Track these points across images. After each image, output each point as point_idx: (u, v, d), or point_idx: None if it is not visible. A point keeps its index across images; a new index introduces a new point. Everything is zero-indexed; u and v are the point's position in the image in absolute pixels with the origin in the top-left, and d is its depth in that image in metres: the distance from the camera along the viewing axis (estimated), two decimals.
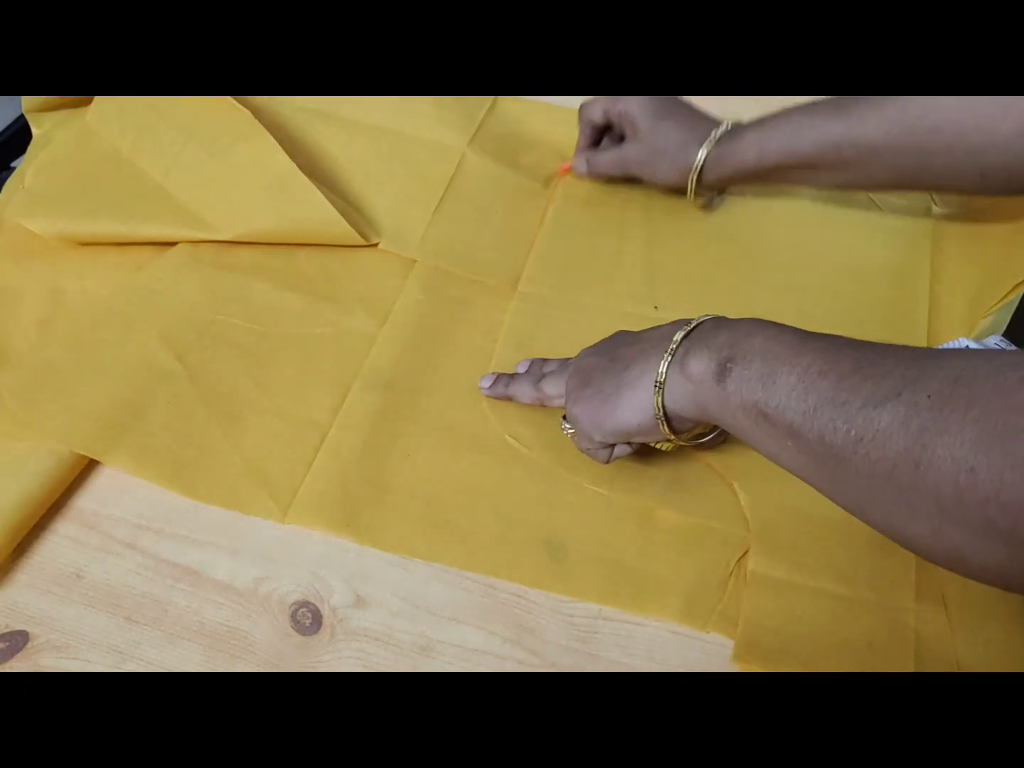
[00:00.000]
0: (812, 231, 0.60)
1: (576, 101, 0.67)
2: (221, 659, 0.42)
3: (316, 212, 0.55)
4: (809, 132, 0.52)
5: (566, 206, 0.61)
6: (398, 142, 0.62)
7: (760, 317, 0.53)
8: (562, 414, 0.47)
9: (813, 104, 0.53)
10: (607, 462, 0.45)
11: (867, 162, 0.51)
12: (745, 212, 0.61)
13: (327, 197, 0.55)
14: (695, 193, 0.57)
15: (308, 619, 0.43)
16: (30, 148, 0.62)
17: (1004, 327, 0.53)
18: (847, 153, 0.51)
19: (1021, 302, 0.53)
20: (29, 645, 0.42)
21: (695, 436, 0.44)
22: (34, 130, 0.62)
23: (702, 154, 0.55)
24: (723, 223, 0.60)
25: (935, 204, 0.61)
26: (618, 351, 0.44)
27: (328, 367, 0.52)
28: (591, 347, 0.47)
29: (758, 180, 0.56)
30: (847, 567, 0.44)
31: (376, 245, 0.57)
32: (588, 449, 0.45)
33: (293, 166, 0.56)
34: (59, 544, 0.46)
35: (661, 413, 0.40)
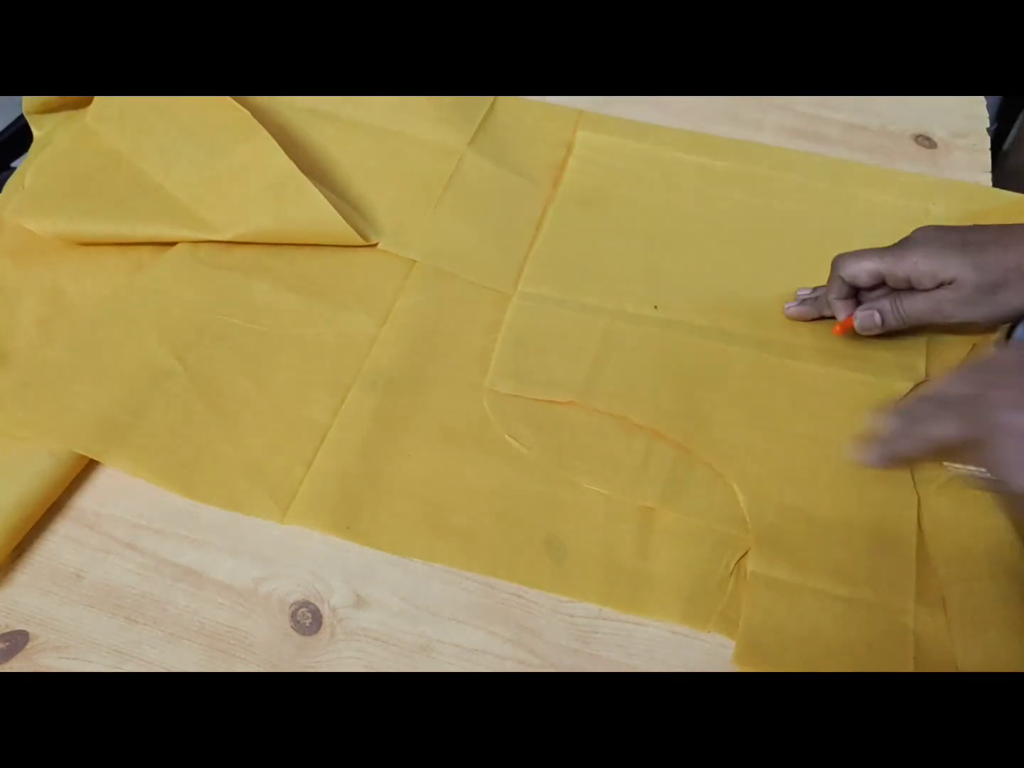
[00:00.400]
0: (813, 233, 0.59)
1: (576, 101, 0.67)
2: (221, 659, 0.42)
3: (316, 212, 0.55)
4: None
5: (565, 206, 0.61)
6: (398, 143, 0.62)
7: (761, 318, 0.53)
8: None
9: None
10: None
11: None
12: (747, 213, 0.61)
13: (327, 198, 0.55)
14: None
15: (308, 619, 0.43)
16: (31, 150, 0.61)
17: None
18: None
19: None
20: (29, 645, 0.42)
21: None
22: (35, 132, 0.62)
23: None
24: (725, 223, 0.60)
25: (933, 205, 0.61)
26: None
27: (328, 367, 0.51)
28: (996, 357, 0.38)
29: None
30: (847, 568, 0.44)
31: (376, 245, 0.57)
32: None
33: (293, 166, 0.56)
34: (59, 544, 0.46)
35: None
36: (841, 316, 0.51)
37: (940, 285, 0.47)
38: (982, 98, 0.71)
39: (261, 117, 0.58)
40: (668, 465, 0.48)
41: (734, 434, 0.49)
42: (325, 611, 0.44)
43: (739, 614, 0.43)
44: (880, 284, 0.50)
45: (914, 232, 0.50)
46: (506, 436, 0.49)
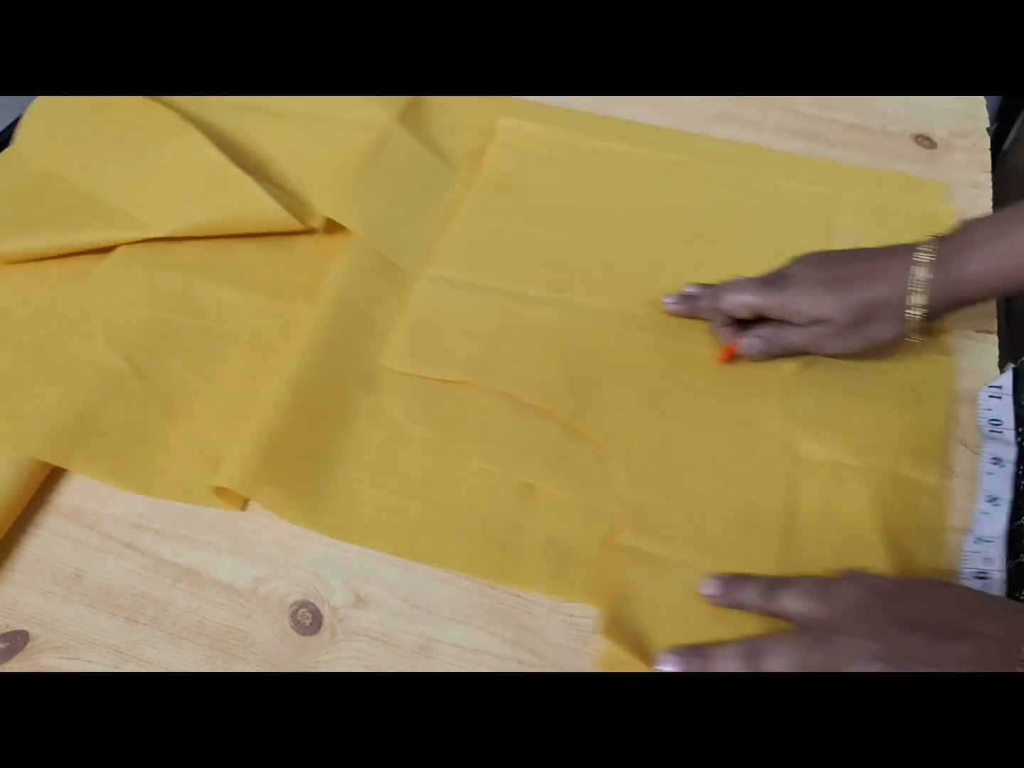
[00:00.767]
0: (723, 219, 0.60)
1: (576, 101, 0.67)
2: (221, 659, 0.42)
3: (250, 201, 0.55)
4: None
5: (482, 191, 0.62)
6: (328, 127, 0.62)
7: (660, 301, 0.55)
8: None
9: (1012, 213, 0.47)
10: None
11: None
12: (658, 199, 0.61)
13: (262, 186, 0.55)
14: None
15: (308, 619, 0.43)
16: None
17: None
18: None
19: None
20: (29, 645, 0.42)
21: None
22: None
23: (918, 300, 0.47)
24: (635, 209, 0.61)
25: (844, 192, 0.62)
26: None
27: (276, 357, 0.52)
28: None
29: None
30: (715, 542, 0.45)
31: (314, 230, 0.57)
32: None
33: (223, 158, 0.56)
34: (59, 544, 0.46)
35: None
36: (724, 342, 0.52)
37: (814, 322, 0.49)
38: (982, 98, 0.71)
39: (190, 116, 0.59)
40: (552, 442, 0.49)
41: (621, 413, 0.50)
42: (325, 611, 0.44)
43: (606, 585, 0.44)
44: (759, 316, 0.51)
45: (792, 264, 0.51)
46: (396, 414, 0.50)
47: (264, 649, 0.42)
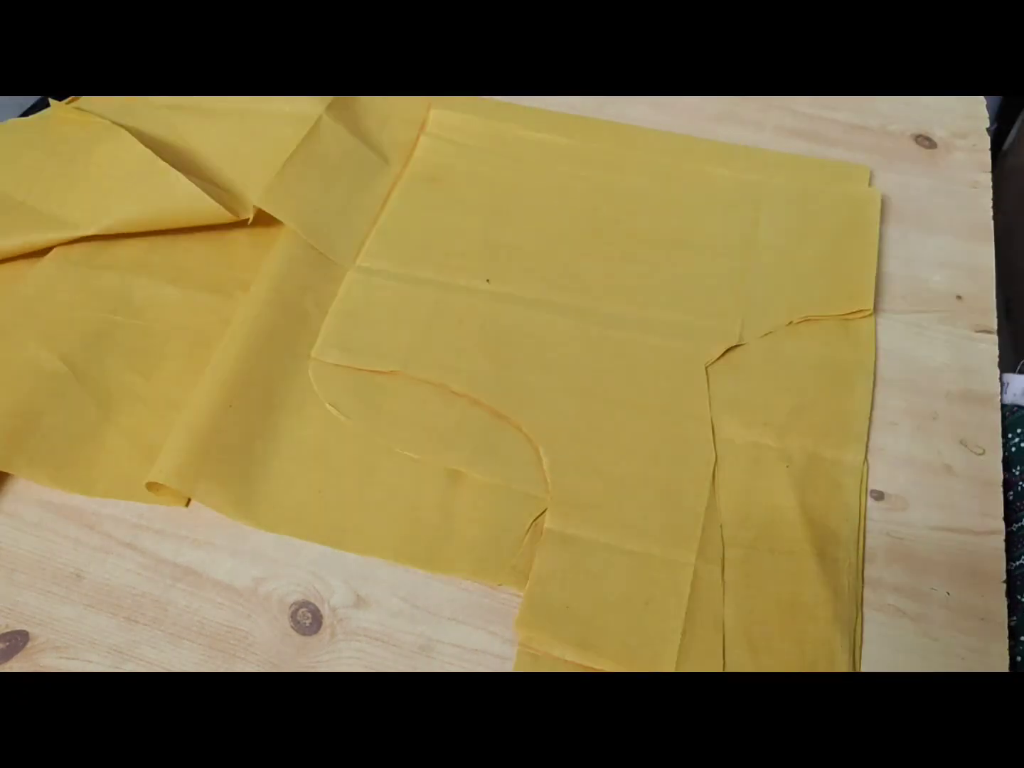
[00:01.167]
0: (651, 207, 0.61)
1: (576, 101, 0.67)
2: (221, 659, 0.42)
3: (180, 194, 0.55)
4: None
5: (412, 183, 0.62)
6: (258, 120, 0.62)
7: (587, 289, 0.56)
8: None
9: None
10: None
11: None
12: (588, 188, 0.62)
13: (193, 182, 0.55)
14: None
15: (308, 619, 0.43)
16: None
17: None
18: None
19: None
20: (29, 645, 0.42)
21: None
22: None
23: None
24: (565, 199, 0.61)
25: (770, 178, 0.62)
26: None
27: (215, 353, 0.51)
28: None
29: None
30: (638, 523, 0.46)
31: (246, 221, 0.57)
32: None
33: (151, 154, 0.56)
34: (59, 544, 0.46)
35: None
36: None
37: None
38: (982, 98, 0.71)
39: (120, 119, 0.59)
40: (479, 430, 0.49)
41: (547, 400, 0.51)
42: (325, 611, 0.44)
43: (530, 568, 0.44)
44: None
45: None
46: (327, 404, 0.50)
47: (264, 649, 0.42)
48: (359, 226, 0.59)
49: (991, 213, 0.61)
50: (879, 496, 0.48)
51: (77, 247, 0.57)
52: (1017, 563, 0.46)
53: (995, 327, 0.55)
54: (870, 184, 0.63)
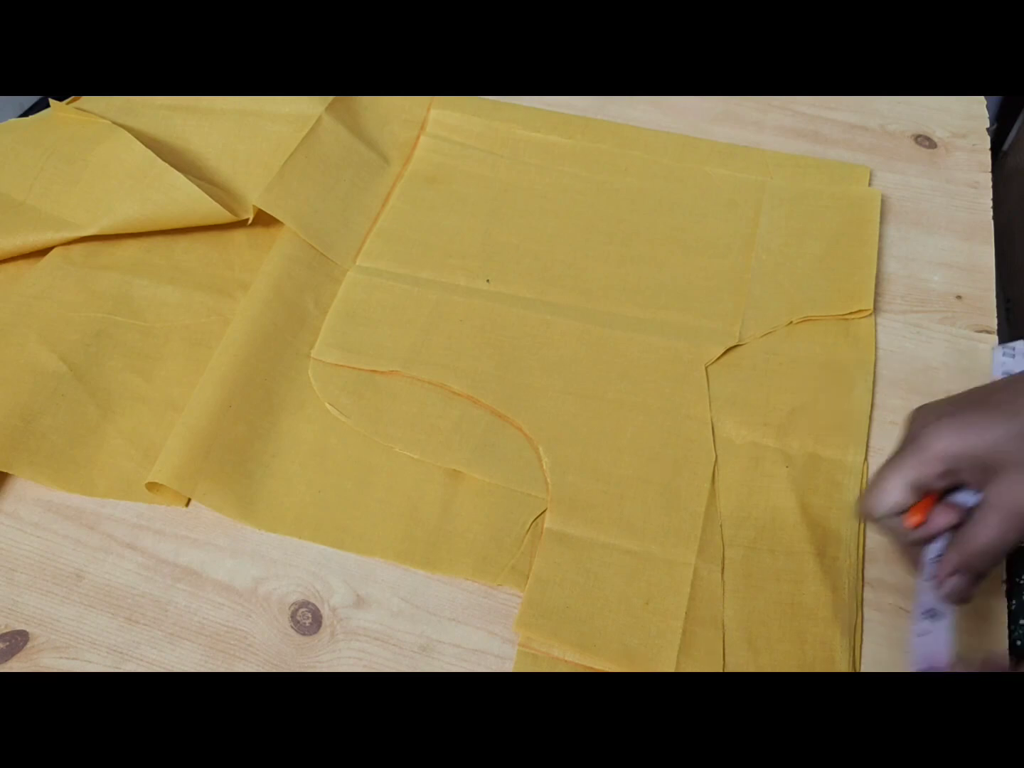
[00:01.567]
0: (651, 207, 0.61)
1: (576, 101, 0.67)
2: (221, 659, 0.42)
3: (180, 194, 0.55)
4: None
5: (413, 183, 0.62)
6: (258, 121, 0.62)
7: (587, 289, 0.56)
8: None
9: None
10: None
11: None
12: (588, 188, 0.62)
13: (192, 182, 0.55)
14: None
15: (308, 619, 0.43)
16: None
17: None
18: None
19: None
20: (29, 645, 0.42)
21: None
22: None
23: None
24: (565, 199, 0.61)
25: (770, 178, 0.62)
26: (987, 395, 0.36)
27: (214, 354, 0.51)
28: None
29: None
30: (638, 523, 0.46)
31: (246, 221, 0.57)
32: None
33: (151, 154, 0.56)
34: (59, 544, 0.46)
35: None
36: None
37: (985, 468, 0.36)
38: (982, 98, 0.71)
39: (120, 119, 0.59)
40: (479, 430, 0.49)
41: (547, 400, 0.51)
42: (325, 611, 0.44)
43: (530, 568, 0.44)
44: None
45: (914, 423, 0.39)
46: (327, 405, 0.50)
47: (264, 649, 0.42)
48: (359, 226, 0.59)
49: (991, 213, 0.61)
50: None
51: (77, 247, 0.57)
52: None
53: (995, 327, 0.55)
54: (870, 184, 0.63)
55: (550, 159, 0.64)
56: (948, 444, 0.36)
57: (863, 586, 0.44)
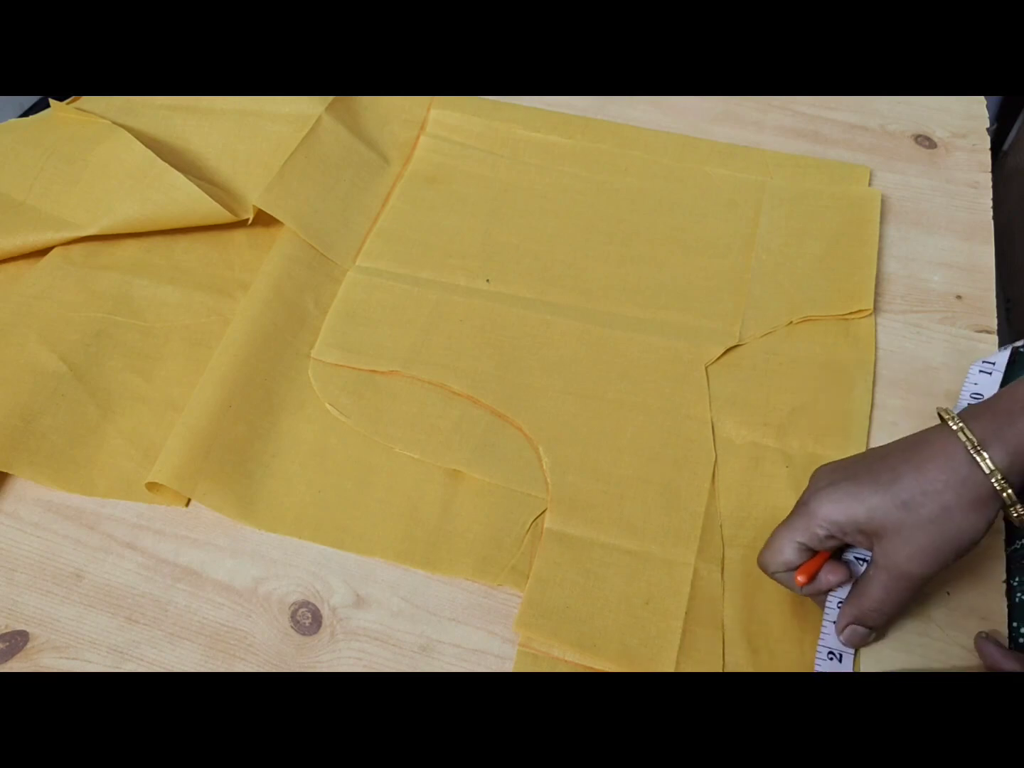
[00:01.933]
0: (650, 206, 0.61)
1: (576, 101, 0.67)
2: (221, 659, 0.42)
3: (180, 194, 0.56)
4: None
5: (413, 183, 0.62)
6: (257, 120, 0.62)
7: (587, 289, 0.56)
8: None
9: None
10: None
11: None
12: (587, 188, 0.62)
13: (192, 182, 0.55)
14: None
15: (308, 619, 0.43)
16: None
17: None
18: None
19: None
20: (29, 645, 0.42)
21: None
22: None
23: (991, 471, 0.37)
24: (565, 199, 0.61)
25: (770, 178, 0.62)
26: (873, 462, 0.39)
27: (214, 354, 0.51)
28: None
29: None
30: (638, 523, 0.46)
31: (247, 222, 0.57)
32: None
33: (151, 154, 0.56)
34: (59, 544, 0.46)
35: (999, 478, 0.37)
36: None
37: (866, 533, 0.39)
38: (982, 98, 0.71)
39: (121, 118, 0.60)
40: (479, 430, 0.49)
41: (547, 400, 0.51)
42: (325, 611, 0.44)
43: (530, 568, 0.44)
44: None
45: (811, 485, 0.41)
46: (326, 404, 0.50)
47: (264, 649, 0.42)
48: (359, 226, 0.59)
49: (991, 213, 0.61)
50: None
51: (77, 247, 0.57)
52: (1013, 547, 0.46)
53: (995, 327, 0.55)
54: (870, 184, 0.63)
55: (550, 159, 0.64)
56: (830, 511, 0.39)
57: None
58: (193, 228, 0.57)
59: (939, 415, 0.40)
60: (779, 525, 0.41)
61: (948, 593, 0.44)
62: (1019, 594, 0.44)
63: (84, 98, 0.64)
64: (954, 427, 0.38)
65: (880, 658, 0.42)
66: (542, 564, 0.44)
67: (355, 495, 0.47)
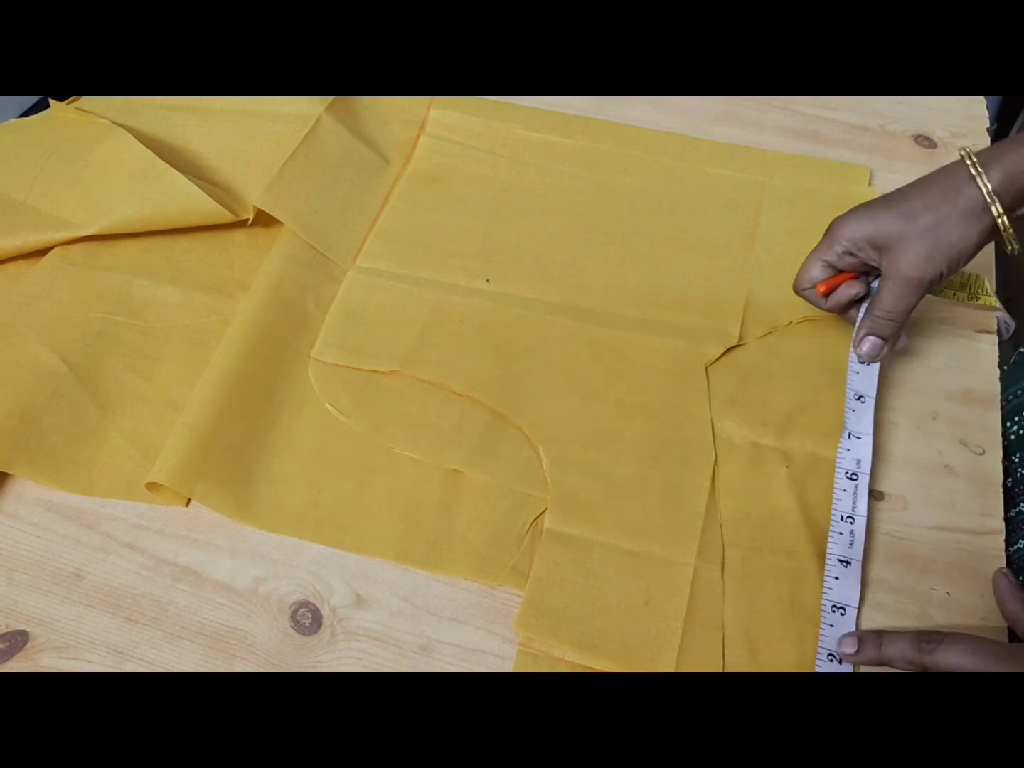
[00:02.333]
0: (650, 206, 0.61)
1: (576, 101, 0.67)
2: (221, 659, 0.42)
3: (180, 194, 0.56)
4: None
5: (413, 183, 0.62)
6: (257, 120, 0.62)
7: (586, 289, 0.56)
8: None
9: None
10: None
11: None
12: (587, 188, 0.62)
13: (192, 182, 0.55)
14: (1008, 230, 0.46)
15: (308, 619, 0.43)
16: None
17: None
18: None
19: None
20: (29, 645, 0.42)
21: None
22: None
23: (985, 185, 0.44)
24: (565, 199, 0.61)
25: (770, 177, 0.62)
26: None
27: (214, 354, 0.51)
28: None
29: None
30: (638, 523, 0.46)
31: (247, 222, 0.57)
32: None
33: (151, 154, 0.57)
34: (59, 544, 0.46)
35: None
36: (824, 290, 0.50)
37: (880, 248, 0.47)
38: (982, 98, 0.71)
39: (121, 118, 0.60)
40: (479, 430, 0.49)
41: (547, 400, 0.51)
42: (325, 611, 0.44)
43: (530, 568, 0.44)
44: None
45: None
46: (326, 404, 0.50)
47: (264, 649, 0.42)
48: (359, 226, 0.59)
49: None
50: (879, 496, 0.48)
51: (77, 247, 0.57)
52: (1015, 548, 0.46)
53: (995, 327, 0.55)
54: (870, 184, 0.63)
55: (550, 159, 0.64)
56: (847, 230, 0.47)
57: (863, 586, 0.44)
58: (193, 228, 0.57)
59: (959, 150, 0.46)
60: (808, 254, 0.49)
61: (948, 593, 0.44)
62: None
63: (84, 98, 0.64)
64: (962, 153, 0.45)
65: None
66: (542, 564, 0.44)
67: (355, 495, 0.47)
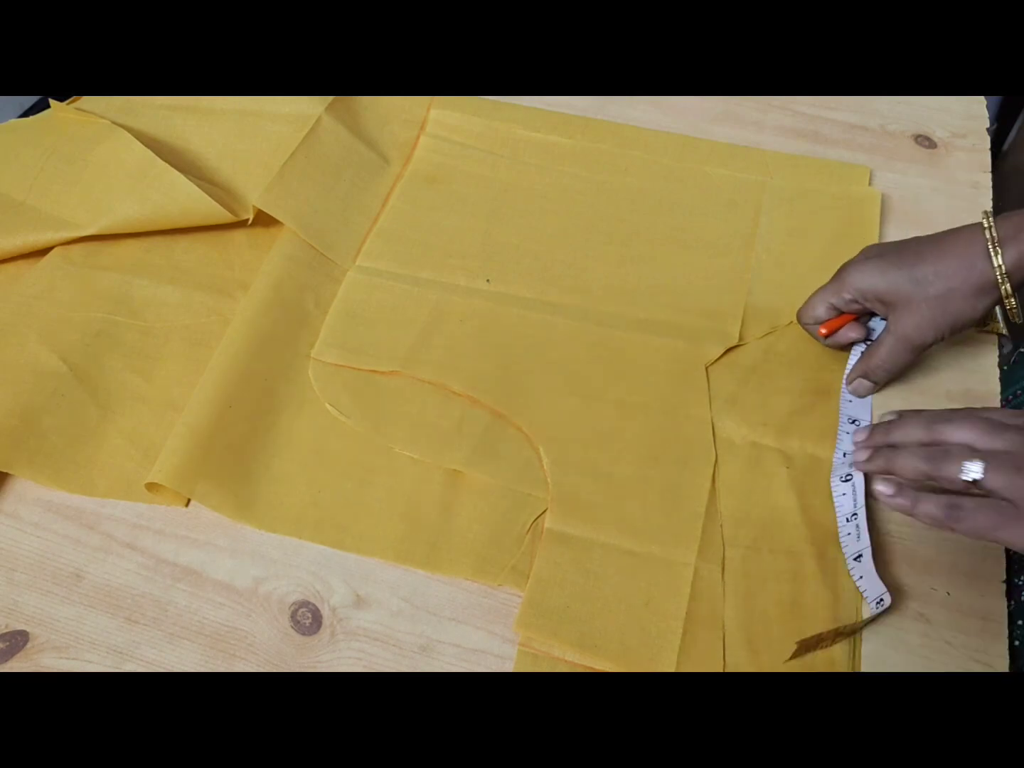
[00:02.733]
0: (650, 206, 0.61)
1: (576, 101, 0.67)
2: (221, 659, 0.42)
3: (180, 194, 0.56)
4: None
5: (412, 184, 0.62)
6: (257, 120, 0.62)
7: (587, 289, 0.56)
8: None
9: None
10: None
11: None
12: (587, 188, 0.62)
13: (192, 182, 0.55)
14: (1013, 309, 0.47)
15: (308, 619, 0.43)
16: None
17: None
18: None
19: None
20: (29, 645, 0.42)
21: None
22: None
23: (999, 266, 0.45)
24: (565, 199, 0.61)
25: (770, 177, 0.62)
26: None
27: (214, 354, 0.51)
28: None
29: None
30: (638, 523, 0.46)
31: (246, 222, 0.57)
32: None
33: (151, 154, 0.57)
34: (59, 544, 0.46)
35: None
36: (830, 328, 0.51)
37: (886, 303, 0.48)
38: (982, 98, 0.71)
39: (121, 118, 0.60)
40: (480, 430, 0.49)
41: (548, 400, 0.51)
42: (325, 611, 0.44)
43: (530, 568, 0.44)
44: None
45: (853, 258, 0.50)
46: (326, 404, 0.50)
47: (264, 649, 0.42)
48: (359, 226, 0.59)
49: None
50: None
51: (77, 247, 0.57)
52: None
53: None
54: (870, 184, 0.63)
55: (550, 159, 0.63)
56: (857, 280, 0.48)
57: None
58: (193, 228, 0.57)
59: (983, 213, 0.46)
60: (818, 288, 0.50)
61: (948, 593, 0.44)
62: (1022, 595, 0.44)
63: (84, 98, 0.64)
64: (986, 223, 0.45)
65: (880, 658, 0.42)
66: (542, 564, 0.44)
67: (355, 495, 0.47)
